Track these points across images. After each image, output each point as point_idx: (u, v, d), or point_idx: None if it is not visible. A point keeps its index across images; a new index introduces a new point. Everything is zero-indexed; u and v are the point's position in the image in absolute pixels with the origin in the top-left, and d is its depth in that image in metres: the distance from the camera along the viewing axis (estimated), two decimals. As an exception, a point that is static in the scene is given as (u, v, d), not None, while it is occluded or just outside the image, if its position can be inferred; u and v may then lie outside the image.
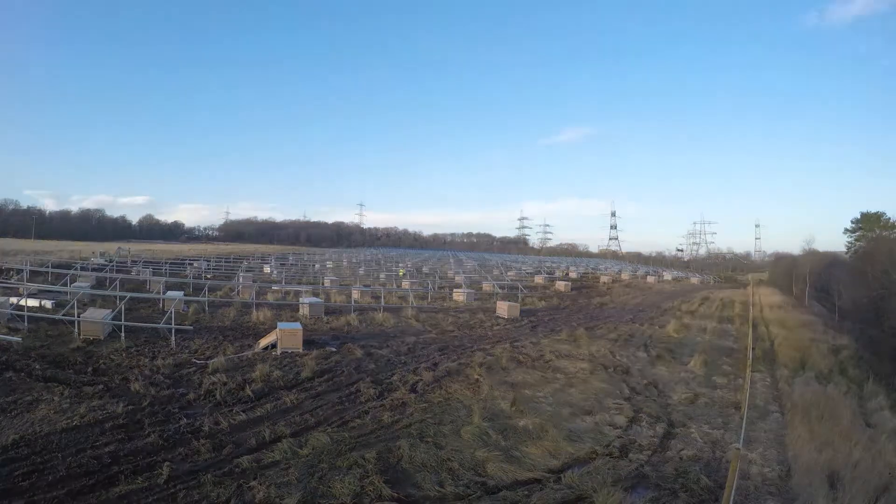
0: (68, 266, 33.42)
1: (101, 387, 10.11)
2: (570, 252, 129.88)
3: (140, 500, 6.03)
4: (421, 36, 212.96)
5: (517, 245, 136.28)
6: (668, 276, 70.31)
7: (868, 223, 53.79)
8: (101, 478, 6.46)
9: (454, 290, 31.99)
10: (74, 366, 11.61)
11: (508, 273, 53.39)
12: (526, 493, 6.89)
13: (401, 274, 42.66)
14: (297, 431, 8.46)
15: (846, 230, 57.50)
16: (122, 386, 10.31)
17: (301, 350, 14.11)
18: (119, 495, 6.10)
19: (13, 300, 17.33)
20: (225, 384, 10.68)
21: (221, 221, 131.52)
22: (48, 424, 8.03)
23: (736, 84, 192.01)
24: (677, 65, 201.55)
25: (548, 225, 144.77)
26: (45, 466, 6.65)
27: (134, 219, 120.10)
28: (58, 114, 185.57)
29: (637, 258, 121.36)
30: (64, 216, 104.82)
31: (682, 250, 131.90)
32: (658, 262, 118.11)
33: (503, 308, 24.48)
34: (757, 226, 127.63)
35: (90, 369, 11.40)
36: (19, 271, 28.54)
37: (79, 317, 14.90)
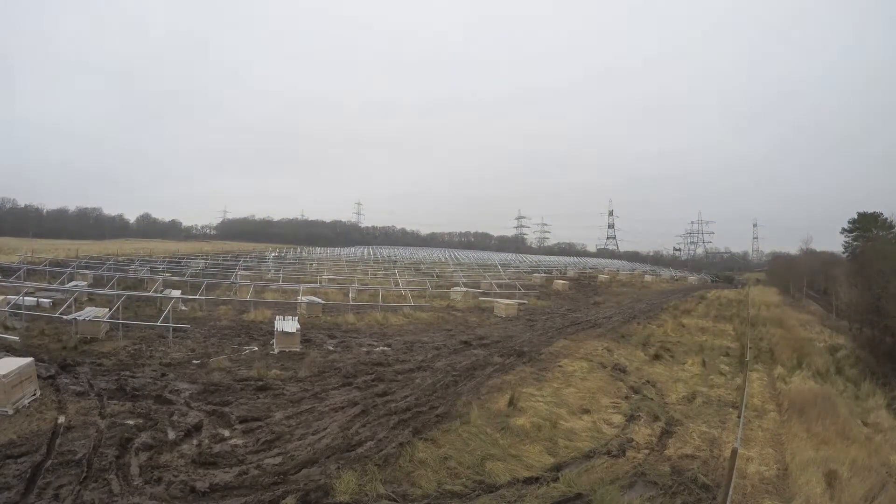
0: (65, 264, 33.32)
1: (98, 386, 10.08)
2: (567, 251, 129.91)
3: (140, 498, 6.02)
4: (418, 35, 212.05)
5: (515, 244, 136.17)
6: (665, 275, 70.52)
7: (865, 223, 54.01)
8: (98, 475, 6.44)
9: (452, 288, 32.01)
10: (72, 365, 11.57)
11: (506, 272, 53.38)
12: (524, 491, 6.91)
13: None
14: (296, 430, 8.46)
15: (843, 230, 57.77)
16: (119, 385, 10.28)
17: (299, 349, 14.10)
18: (117, 495, 6.08)
19: (11, 298, 17.25)
20: (223, 383, 10.67)
21: (219, 220, 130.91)
22: (46, 423, 8.01)
23: (734, 81, 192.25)
24: (673, 63, 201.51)
25: (545, 224, 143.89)
26: (43, 466, 6.63)
27: (132, 217, 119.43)
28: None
29: (635, 257, 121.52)
30: (61, 214, 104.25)
31: (679, 250, 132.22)
32: (656, 261, 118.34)
33: (501, 307, 24.49)
34: (755, 225, 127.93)
35: (88, 368, 11.37)
36: (17, 270, 28.40)
37: (77, 315, 14.84)
